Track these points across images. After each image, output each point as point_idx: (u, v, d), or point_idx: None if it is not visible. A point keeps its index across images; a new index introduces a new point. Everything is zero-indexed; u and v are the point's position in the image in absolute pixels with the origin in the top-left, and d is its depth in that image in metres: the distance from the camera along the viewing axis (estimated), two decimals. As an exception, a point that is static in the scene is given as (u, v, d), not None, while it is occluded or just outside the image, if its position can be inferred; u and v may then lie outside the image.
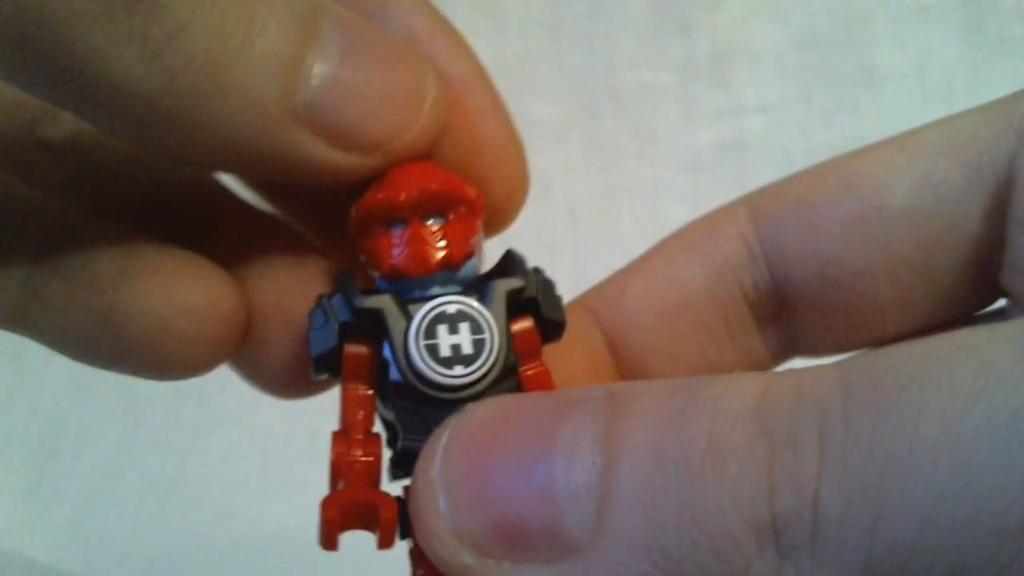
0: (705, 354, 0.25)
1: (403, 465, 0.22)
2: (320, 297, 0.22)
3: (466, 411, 0.20)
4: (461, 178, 0.22)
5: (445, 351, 0.21)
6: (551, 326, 0.22)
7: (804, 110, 0.53)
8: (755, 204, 0.26)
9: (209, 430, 0.56)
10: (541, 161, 0.52)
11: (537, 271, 0.22)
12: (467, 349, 0.21)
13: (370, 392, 0.22)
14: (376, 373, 0.22)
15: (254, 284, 0.23)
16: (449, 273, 0.22)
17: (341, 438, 0.21)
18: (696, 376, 0.19)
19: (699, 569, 0.16)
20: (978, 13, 0.53)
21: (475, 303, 0.21)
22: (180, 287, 0.21)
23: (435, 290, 0.22)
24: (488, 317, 0.21)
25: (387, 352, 0.21)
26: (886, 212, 0.23)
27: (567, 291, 0.23)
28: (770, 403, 0.16)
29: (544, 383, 0.22)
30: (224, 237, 0.23)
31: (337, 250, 0.24)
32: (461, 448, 0.19)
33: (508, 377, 0.22)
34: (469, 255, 0.22)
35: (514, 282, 0.22)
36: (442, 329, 0.21)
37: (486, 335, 0.21)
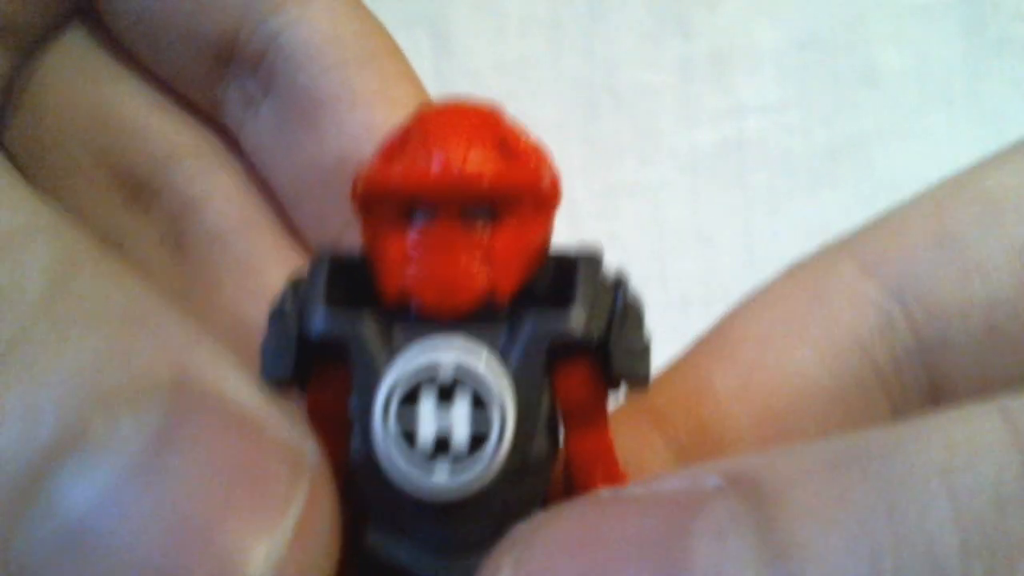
0: None
1: (371, 571, 0.15)
2: (291, 287, 0.15)
3: (525, 535, 0.13)
4: (535, 145, 0.15)
5: (425, 438, 0.13)
6: (625, 383, 0.15)
7: (804, 110, 0.53)
8: (870, 252, 0.19)
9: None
10: (541, 161, 0.52)
11: (618, 287, 0.15)
12: (459, 440, 0.13)
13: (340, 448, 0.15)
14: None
15: None
16: (492, 305, 0.14)
17: None
18: (851, 433, 0.13)
19: None
20: (978, 13, 0.53)
21: (488, 366, 0.13)
22: None
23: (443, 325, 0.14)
24: (504, 394, 0.13)
25: (354, 405, 0.14)
26: None
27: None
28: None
29: (607, 470, 0.15)
30: None
31: None
32: None
33: (540, 472, 0.14)
34: (522, 283, 0.14)
35: (565, 329, 0.14)
36: (427, 402, 0.13)
37: (493, 423, 0.13)
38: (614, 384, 0.15)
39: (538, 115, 0.54)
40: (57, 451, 0.12)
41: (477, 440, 0.13)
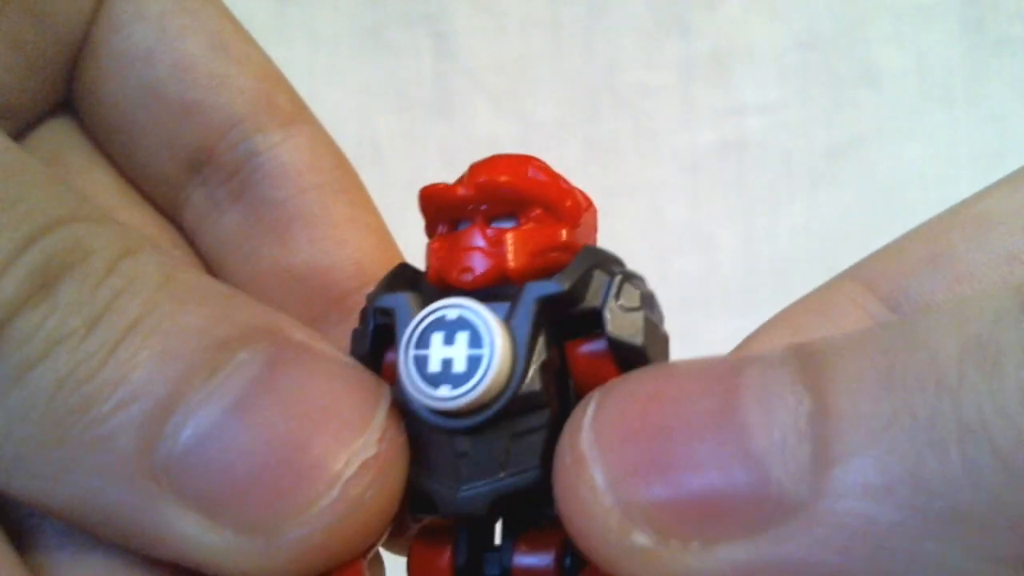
0: None
1: (417, 505, 0.18)
2: (374, 290, 0.19)
3: (611, 383, 0.16)
4: (564, 180, 0.19)
5: (434, 365, 0.17)
6: (622, 349, 0.17)
7: (804, 110, 0.53)
8: (871, 272, 0.21)
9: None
10: (541, 161, 0.52)
11: (616, 271, 0.18)
12: (459, 366, 0.17)
13: None
14: None
15: None
16: (508, 288, 0.17)
17: None
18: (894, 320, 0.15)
19: (981, 492, 0.12)
20: (978, 13, 0.53)
21: (483, 310, 0.17)
22: None
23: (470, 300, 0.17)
24: (492, 328, 0.17)
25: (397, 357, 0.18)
26: None
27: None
28: None
29: None
30: None
31: None
32: (617, 412, 0.15)
33: (539, 409, 0.17)
34: (535, 268, 0.18)
35: (550, 285, 0.17)
36: (436, 338, 0.17)
37: (484, 350, 0.17)
38: (618, 354, 0.18)
39: (538, 115, 0.54)
40: (186, 382, 0.16)
41: (471, 367, 0.17)
